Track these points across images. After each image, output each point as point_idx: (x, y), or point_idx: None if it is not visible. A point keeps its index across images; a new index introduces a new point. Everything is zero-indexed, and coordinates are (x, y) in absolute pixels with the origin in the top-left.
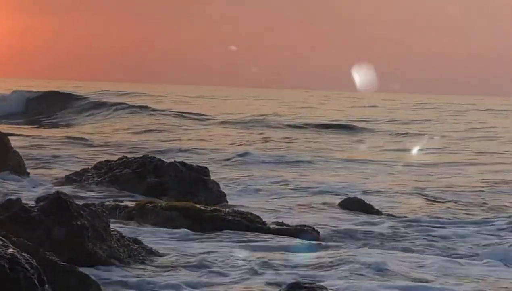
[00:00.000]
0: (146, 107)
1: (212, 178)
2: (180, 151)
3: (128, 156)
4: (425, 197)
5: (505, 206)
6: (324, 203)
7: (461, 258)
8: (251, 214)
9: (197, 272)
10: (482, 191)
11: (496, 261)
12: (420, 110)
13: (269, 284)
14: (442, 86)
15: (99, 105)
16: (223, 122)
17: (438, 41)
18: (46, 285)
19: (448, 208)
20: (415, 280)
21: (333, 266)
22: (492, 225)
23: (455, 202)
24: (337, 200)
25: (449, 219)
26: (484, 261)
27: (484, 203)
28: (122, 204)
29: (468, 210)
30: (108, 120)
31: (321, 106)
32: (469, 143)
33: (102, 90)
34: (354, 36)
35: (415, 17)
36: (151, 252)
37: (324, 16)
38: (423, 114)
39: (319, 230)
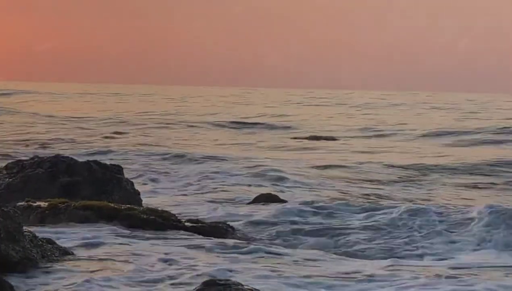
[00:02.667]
0: None
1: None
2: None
3: None
4: (335, 188)
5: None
6: (237, 198)
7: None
8: (166, 212)
9: (111, 271)
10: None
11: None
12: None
13: (184, 282)
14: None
15: None
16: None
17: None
18: None
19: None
20: (317, 277)
21: (248, 262)
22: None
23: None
24: (251, 194)
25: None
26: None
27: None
28: (34, 204)
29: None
30: None
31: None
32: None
33: None
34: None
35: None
36: (66, 252)
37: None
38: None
39: (233, 226)
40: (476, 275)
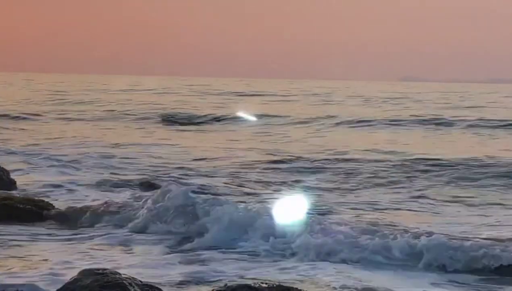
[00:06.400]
0: None
1: None
2: None
3: None
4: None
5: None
6: (115, 184)
7: None
8: (42, 201)
9: None
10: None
11: None
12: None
13: (58, 273)
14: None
15: None
16: None
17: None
18: None
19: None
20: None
21: (127, 250)
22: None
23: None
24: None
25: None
26: None
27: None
28: None
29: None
30: None
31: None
32: None
33: None
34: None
35: None
36: None
37: None
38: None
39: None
40: None
